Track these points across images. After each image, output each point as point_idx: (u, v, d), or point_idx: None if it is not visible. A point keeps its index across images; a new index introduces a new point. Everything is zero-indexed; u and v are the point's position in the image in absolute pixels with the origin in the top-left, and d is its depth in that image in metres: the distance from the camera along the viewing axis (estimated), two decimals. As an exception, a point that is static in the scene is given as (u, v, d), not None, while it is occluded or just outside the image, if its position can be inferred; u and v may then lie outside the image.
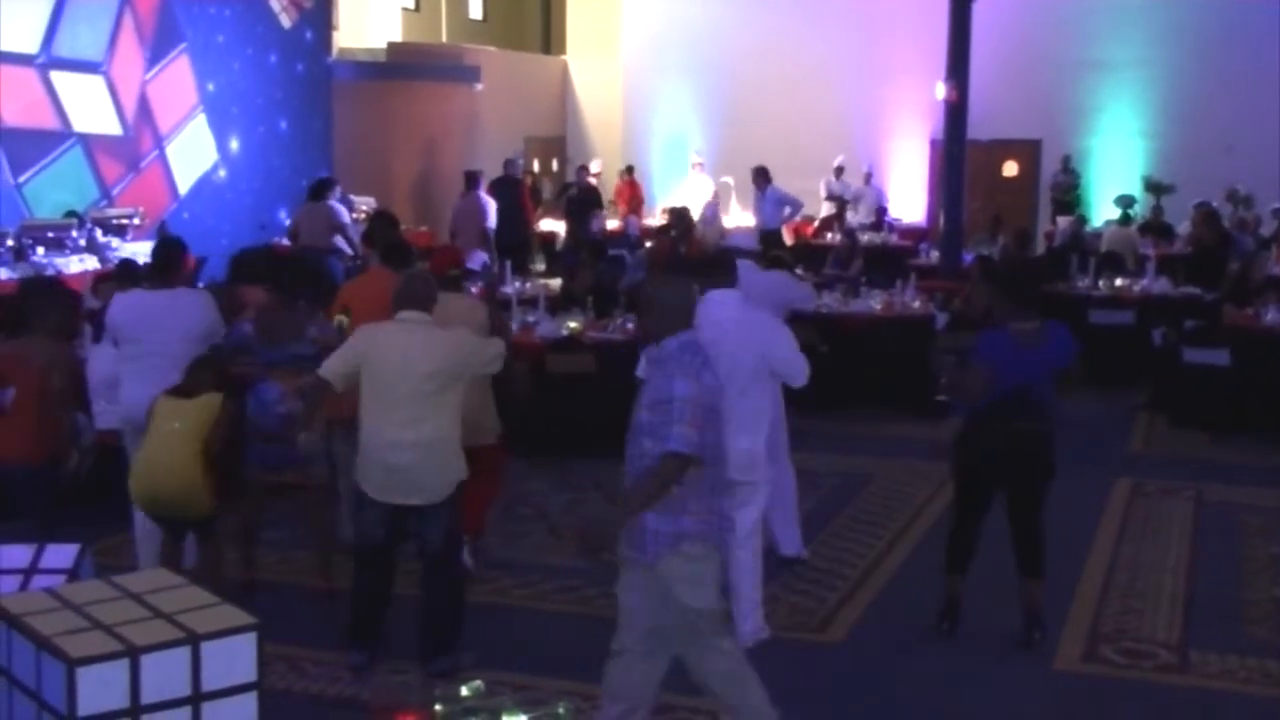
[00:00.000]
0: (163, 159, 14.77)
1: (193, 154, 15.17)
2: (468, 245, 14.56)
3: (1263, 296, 10.92)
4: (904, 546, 7.52)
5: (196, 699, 2.48)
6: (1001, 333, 5.83)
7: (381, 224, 9.38)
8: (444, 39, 22.39)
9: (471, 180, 15.44)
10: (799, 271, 10.57)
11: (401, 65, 19.58)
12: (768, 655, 5.91)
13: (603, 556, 4.44)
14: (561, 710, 3.55)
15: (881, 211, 18.96)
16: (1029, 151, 20.51)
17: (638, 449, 4.52)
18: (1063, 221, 17.01)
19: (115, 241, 12.64)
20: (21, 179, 12.94)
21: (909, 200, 20.69)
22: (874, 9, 20.39)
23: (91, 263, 11.87)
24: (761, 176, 16.48)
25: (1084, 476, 8.20)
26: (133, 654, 2.41)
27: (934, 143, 19.15)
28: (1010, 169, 20.86)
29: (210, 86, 15.36)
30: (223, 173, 15.64)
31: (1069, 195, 19.55)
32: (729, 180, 19.71)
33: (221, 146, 15.61)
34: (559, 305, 10.48)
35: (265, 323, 6.80)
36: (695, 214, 15.47)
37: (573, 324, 9.53)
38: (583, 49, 23.50)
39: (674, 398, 4.40)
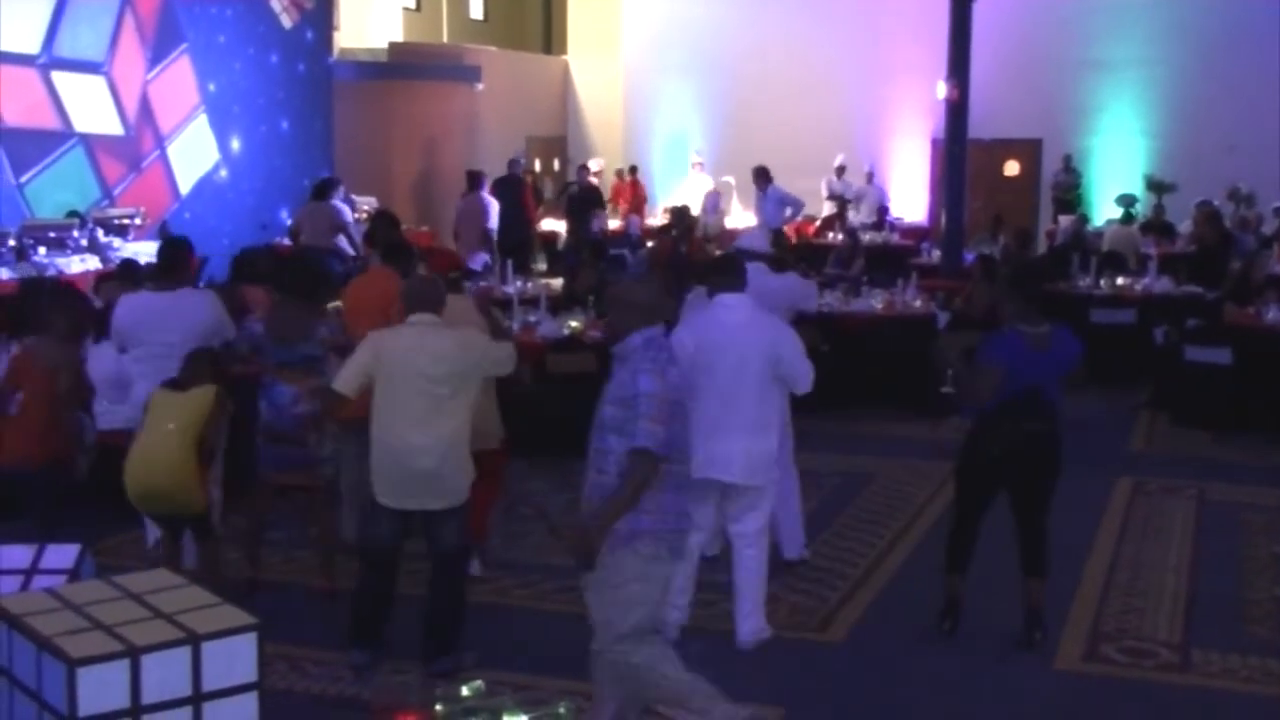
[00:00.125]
0: (164, 159, 14.78)
1: (194, 154, 15.18)
2: (470, 245, 14.58)
3: (1264, 295, 10.92)
4: (905, 546, 7.52)
5: (197, 699, 2.48)
6: (1013, 334, 5.85)
7: (383, 224, 9.38)
8: (445, 39, 22.39)
9: (473, 180, 15.43)
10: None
11: (402, 65, 19.57)
12: (768, 655, 5.93)
13: (593, 565, 4.44)
14: (562, 710, 3.55)
15: (883, 211, 18.97)
16: (1030, 151, 20.50)
17: (601, 444, 4.53)
18: (1064, 221, 17.01)
19: (117, 241, 12.64)
20: (23, 179, 12.95)
21: (910, 200, 20.69)
22: (875, 8, 20.38)
23: (93, 263, 11.88)
24: (762, 176, 16.48)
25: (1085, 475, 8.18)
26: (133, 654, 2.41)
27: (935, 142, 19.14)
28: (1012, 168, 20.86)
29: (211, 86, 15.37)
30: (224, 173, 15.65)
31: (1070, 194, 19.53)
32: (730, 180, 19.71)
33: (223, 146, 15.61)
34: (560, 305, 10.48)
35: (276, 323, 6.76)
36: (696, 213, 15.47)
37: (574, 324, 9.54)
38: (584, 49, 23.50)
39: (639, 394, 4.41)
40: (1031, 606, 6.03)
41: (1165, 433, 10.32)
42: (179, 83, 14.94)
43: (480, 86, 19.87)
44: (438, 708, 3.27)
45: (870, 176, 19.72)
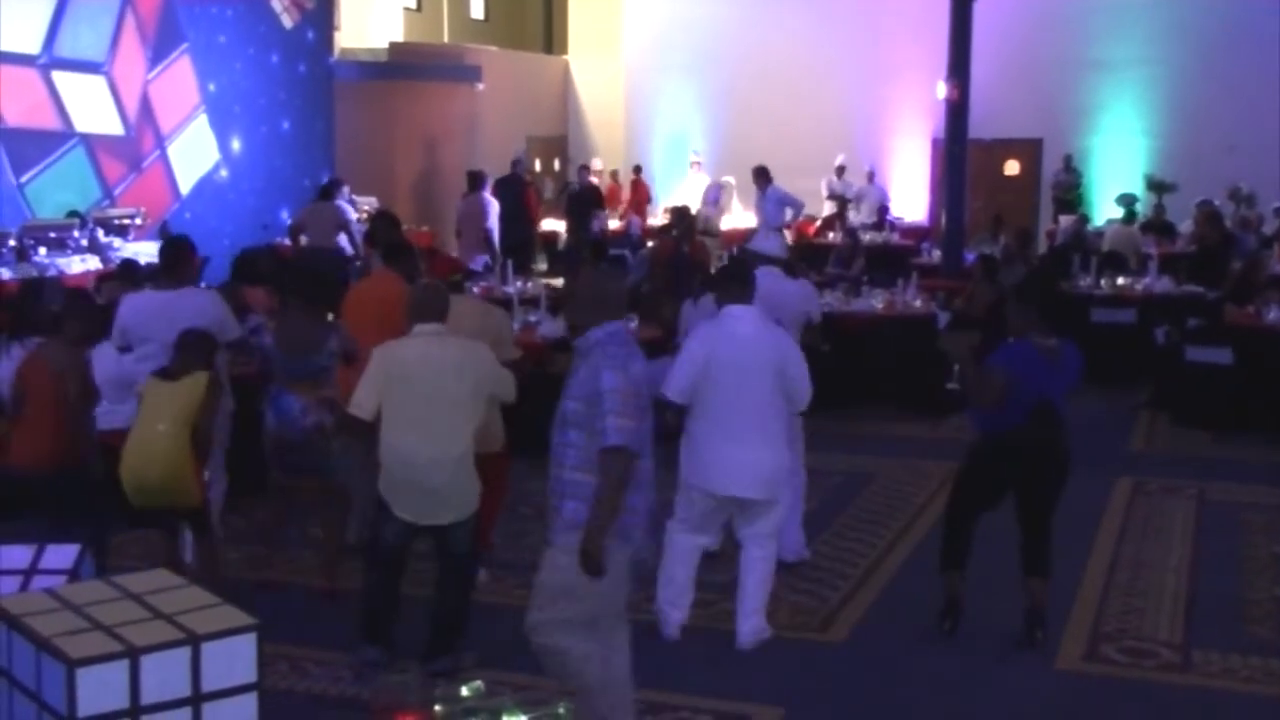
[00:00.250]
0: (164, 159, 14.78)
1: (194, 154, 15.18)
2: (471, 246, 14.57)
3: (1265, 295, 10.91)
4: (905, 546, 7.52)
5: (197, 699, 2.48)
6: (1026, 344, 5.90)
7: (383, 224, 9.37)
8: (445, 39, 22.39)
9: (475, 180, 15.41)
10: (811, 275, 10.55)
11: (403, 65, 19.57)
12: (768, 655, 5.93)
13: (601, 571, 4.44)
14: (561, 710, 3.56)
15: (883, 211, 18.96)
16: (1031, 151, 20.49)
17: (562, 438, 4.55)
18: (1065, 220, 17.00)
19: (117, 241, 12.65)
20: (23, 179, 12.96)
21: (910, 199, 20.68)
22: (875, 8, 20.38)
23: (93, 263, 11.88)
24: (762, 176, 16.46)
25: (1086, 475, 8.13)
26: (133, 655, 2.41)
27: (935, 142, 19.13)
28: (1012, 168, 20.85)
29: (212, 86, 15.37)
30: (224, 173, 15.65)
31: (1071, 194, 19.52)
32: (730, 179, 19.70)
33: (223, 146, 15.62)
34: (561, 305, 10.47)
35: (285, 334, 6.70)
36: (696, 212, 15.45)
37: (574, 324, 9.51)
38: (584, 49, 23.49)
39: (603, 391, 4.39)
40: (1034, 606, 6.03)
41: (1165, 433, 10.32)
42: (179, 83, 14.94)
43: (481, 86, 19.86)
44: (438, 708, 3.28)
45: (870, 176, 19.72)
